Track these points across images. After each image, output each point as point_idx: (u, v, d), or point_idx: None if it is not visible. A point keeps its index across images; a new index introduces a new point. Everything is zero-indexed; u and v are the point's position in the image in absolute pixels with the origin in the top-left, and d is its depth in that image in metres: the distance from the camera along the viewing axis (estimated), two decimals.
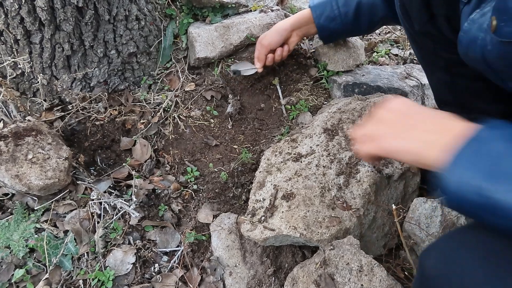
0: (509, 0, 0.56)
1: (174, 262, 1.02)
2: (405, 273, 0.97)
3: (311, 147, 1.05)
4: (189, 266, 1.01)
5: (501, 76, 0.62)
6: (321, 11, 1.20)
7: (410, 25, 0.93)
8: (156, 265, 1.01)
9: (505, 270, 0.48)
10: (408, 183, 1.04)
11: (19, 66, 1.14)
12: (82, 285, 0.96)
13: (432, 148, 0.56)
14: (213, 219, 1.08)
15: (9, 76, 1.16)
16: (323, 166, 0.99)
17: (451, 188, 0.51)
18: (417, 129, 0.60)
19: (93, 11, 1.11)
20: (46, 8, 1.03)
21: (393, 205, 0.86)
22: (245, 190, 1.13)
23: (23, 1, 1.01)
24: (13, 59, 1.10)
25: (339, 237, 0.87)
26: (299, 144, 1.07)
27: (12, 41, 1.09)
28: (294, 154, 1.04)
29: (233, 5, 1.44)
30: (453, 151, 0.51)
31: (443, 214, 0.97)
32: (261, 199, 0.98)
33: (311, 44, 1.46)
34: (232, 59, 1.39)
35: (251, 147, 1.23)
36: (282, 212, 0.92)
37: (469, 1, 0.69)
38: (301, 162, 1.02)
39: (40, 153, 1.05)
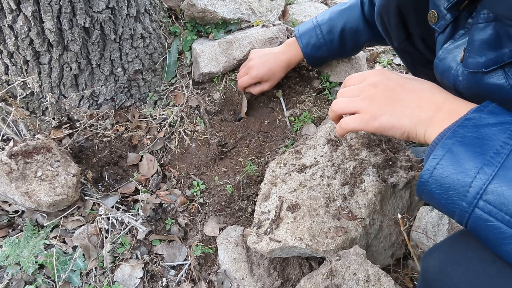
0: (476, 33, 0.60)
1: (182, 276, 1.03)
2: (414, 282, 0.96)
3: (315, 158, 1.05)
4: (197, 279, 1.01)
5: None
6: (307, 40, 1.22)
7: (390, 42, 0.96)
8: (164, 279, 1.02)
9: None
10: (414, 191, 1.04)
11: (28, 86, 1.17)
12: None
13: (422, 125, 0.61)
14: (219, 232, 1.08)
15: (19, 96, 1.19)
16: (328, 177, 0.99)
17: None
18: (404, 103, 0.64)
19: (100, 31, 1.14)
20: (54, 30, 1.07)
21: (398, 214, 0.86)
22: (251, 203, 1.13)
23: (32, 23, 1.04)
24: (23, 79, 1.13)
25: (345, 248, 0.87)
26: (303, 155, 1.08)
27: (22, 62, 1.12)
28: (299, 165, 1.05)
29: (236, 21, 1.47)
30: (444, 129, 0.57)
31: (450, 222, 0.96)
32: (267, 211, 0.98)
33: None
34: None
35: (256, 160, 1.24)
36: (288, 223, 0.92)
37: (443, 30, 0.72)
38: (305, 173, 1.02)
39: (49, 170, 1.07)
